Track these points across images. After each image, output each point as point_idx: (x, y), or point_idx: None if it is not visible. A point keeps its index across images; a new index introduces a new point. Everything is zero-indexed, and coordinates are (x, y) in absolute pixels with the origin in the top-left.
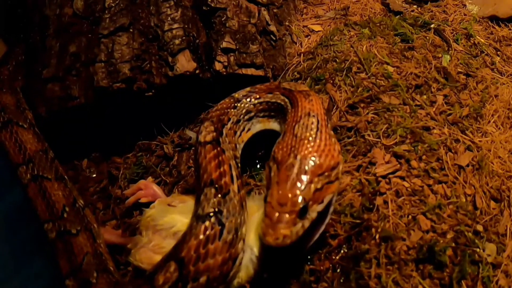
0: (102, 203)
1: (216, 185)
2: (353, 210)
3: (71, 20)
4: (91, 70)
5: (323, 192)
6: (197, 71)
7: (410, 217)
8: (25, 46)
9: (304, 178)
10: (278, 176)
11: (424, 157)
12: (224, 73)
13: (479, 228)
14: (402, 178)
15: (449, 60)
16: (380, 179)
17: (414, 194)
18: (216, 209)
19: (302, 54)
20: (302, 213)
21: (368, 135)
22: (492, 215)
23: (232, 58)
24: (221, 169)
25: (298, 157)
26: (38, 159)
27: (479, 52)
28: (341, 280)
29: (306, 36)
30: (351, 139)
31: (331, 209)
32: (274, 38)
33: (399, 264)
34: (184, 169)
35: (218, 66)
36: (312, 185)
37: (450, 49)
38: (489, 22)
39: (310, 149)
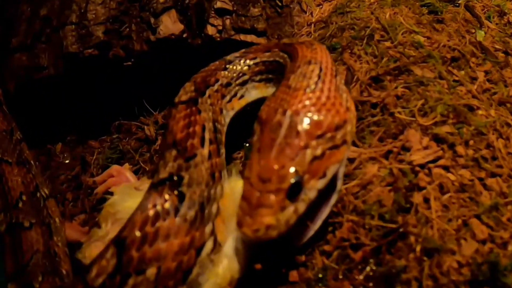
0: (72, 193)
1: (179, 147)
2: (383, 210)
3: None
4: (60, 35)
5: (325, 162)
6: (184, 35)
7: (459, 221)
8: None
9: (296, 141)
10: (261, 141)
11: (471, 142)
12: (218, 39)
13: None
14: (446, 168)
15: (484, 36)
16: (417, 169)
17: (463, 190)
18: (175, 175)
19: (313, 24)
20: (294, 192)
21: (399, 112)
22: None
23: (228, 22)
24: (190, 130)
25: (288, 112)
26: None
27: None
28: None
29: (318, 5)
30: (376, 118)
31: (339, 186)
32: (279, 4)
33: None
34: None
35: (211, 30)
36: (309, 151)
37: (482, 26)
38: None
39: (306, 101)
